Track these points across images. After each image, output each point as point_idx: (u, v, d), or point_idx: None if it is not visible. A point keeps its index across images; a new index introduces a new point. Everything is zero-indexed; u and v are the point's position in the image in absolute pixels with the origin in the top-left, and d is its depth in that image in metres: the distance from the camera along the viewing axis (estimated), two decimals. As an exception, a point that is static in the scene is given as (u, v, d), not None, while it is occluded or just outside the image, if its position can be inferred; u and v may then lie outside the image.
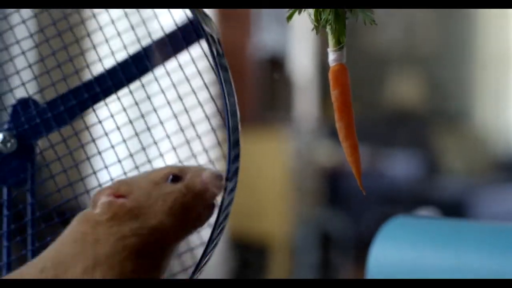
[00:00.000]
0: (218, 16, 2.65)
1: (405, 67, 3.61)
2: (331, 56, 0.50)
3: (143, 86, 0.69)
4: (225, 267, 2.64)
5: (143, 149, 0.69)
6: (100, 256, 0.55)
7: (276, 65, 3.02)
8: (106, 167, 0.68)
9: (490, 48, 3.59)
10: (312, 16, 0.48)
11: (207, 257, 0.59)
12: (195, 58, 0.66)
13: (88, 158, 0.68)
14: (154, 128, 0.70)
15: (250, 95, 2.90)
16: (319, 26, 0.49)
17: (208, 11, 0.64)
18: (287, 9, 0.52)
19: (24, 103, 0.63)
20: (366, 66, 3.35)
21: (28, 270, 0.57)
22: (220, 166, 0.64)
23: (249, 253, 2.83)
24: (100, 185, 0.67)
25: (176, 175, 0.57)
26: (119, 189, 0.57)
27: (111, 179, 0.66)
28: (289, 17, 0.49)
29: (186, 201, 0.56)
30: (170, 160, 0.67)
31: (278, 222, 2.85)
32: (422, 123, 3.52)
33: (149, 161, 0.68)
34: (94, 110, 0.67)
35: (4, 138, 0.63)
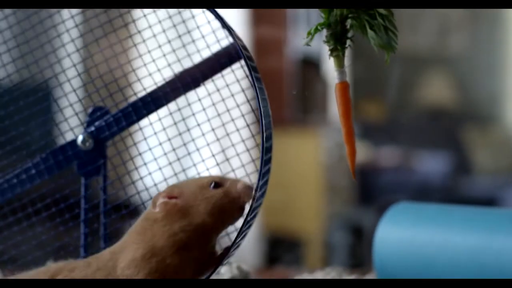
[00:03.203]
0: (253, 19, 2.71)
1: (437, 68, 3.66)
2: (337, 75, 0.65)
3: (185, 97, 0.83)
4: (259, 261, 2.73)
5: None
6: (156, 249, 0.69)
7: (311, 66, 3.08)
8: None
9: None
10: (328, 45, 0.62)
11: (237, 243, 0.72)
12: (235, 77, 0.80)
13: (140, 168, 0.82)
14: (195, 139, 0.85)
15: (285, 95, 2.98)
16: (333, 50, 0.63)
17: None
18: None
19: (99, 110, 0.78)
20: (399, 67, 3.41)
21: (106, 252, 0.71)
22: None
23: (283, 248, 2.91)
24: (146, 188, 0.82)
25: (217, 182, 0.70)
26: (173, 191, 0.70)
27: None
28: (308, 41, 0.62)
29: (223, 204, 0.70)
30: (209, 163, 0.81)
31: (311, 218, 2.93)
32: (453, 123, 3.56)
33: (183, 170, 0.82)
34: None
35: (84, 138, 0.78)
